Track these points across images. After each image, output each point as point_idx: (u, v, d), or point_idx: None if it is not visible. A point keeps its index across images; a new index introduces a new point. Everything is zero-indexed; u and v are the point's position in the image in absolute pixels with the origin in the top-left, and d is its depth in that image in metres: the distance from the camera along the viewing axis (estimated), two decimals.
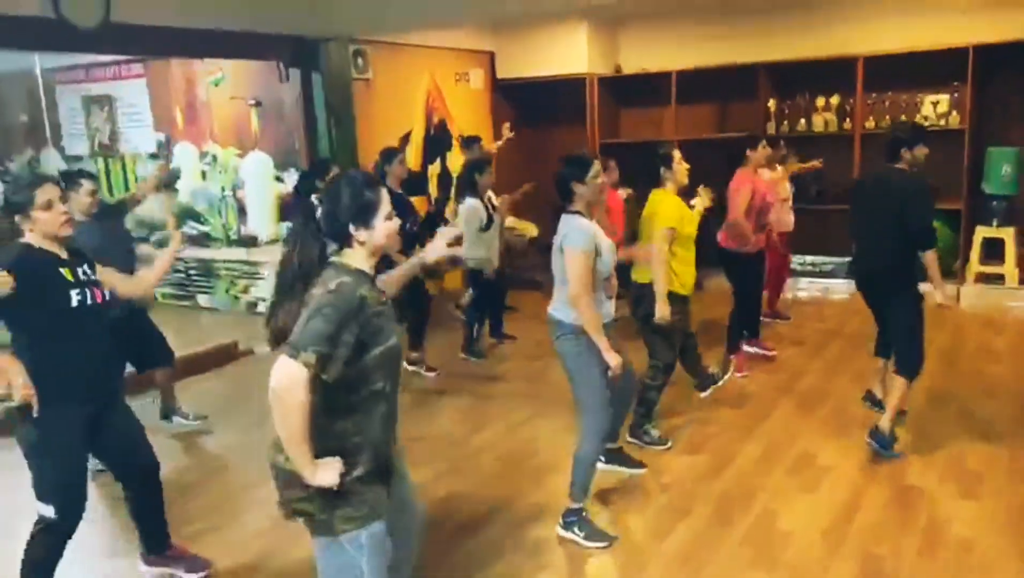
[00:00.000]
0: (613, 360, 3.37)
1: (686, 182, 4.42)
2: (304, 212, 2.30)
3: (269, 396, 2.10)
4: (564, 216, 3.49)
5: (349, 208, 2.23)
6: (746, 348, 5.86)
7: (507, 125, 7.71)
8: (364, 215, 2.24)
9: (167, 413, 5.21)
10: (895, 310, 4.30)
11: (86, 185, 4.45)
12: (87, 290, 3.00)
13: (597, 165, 3.50)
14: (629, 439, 4.46)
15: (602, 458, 3.91)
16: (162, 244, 8.56)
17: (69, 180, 4.44)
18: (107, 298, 3.08)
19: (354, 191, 2.25)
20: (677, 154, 4.39)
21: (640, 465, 4.22)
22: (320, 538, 2.30)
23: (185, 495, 4.22)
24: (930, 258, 4.12)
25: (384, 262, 2.47)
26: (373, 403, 2.27)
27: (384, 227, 2.27)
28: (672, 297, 4.25)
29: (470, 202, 5.98)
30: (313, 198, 2.30)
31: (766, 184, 5.79)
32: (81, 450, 3.06)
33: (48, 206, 2.92)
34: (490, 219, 6.05)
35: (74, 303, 2.94)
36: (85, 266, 3.06)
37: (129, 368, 4.74)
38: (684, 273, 4.37)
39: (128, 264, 4.44)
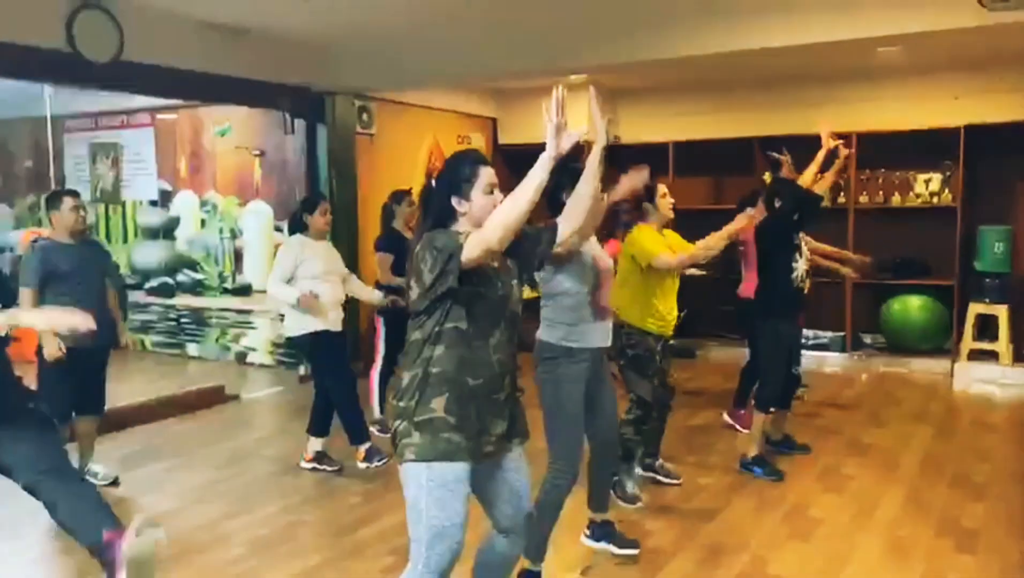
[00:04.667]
0: None
1: (671, 216, 4.27)
2: (426, 192, 2.47)
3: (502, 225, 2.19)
4: None
5: (449, 179, 2.37)
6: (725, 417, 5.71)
7: None
8: (461, 186, 2.34)
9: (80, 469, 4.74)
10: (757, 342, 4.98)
11: (68, 201, 4.31)
12: None
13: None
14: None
15: (587, 532, 3.62)
16: (156, 290, 8.56)
17: (51, 200, 4.36)
18: None
19: (455, 164, 2.41)
20: (662, 187, 4.23)
21: (633, 545, 3.60)
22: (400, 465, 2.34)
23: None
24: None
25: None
26: (454, 341, 2.30)
27: (481, 200, 2.33)
28: (647, 335, 4.12)
29: None
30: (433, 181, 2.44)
31: None
32: None
33: None
34: None
35: None
36: None
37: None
38: (665, 310, 4.15)
39: (100, 287, 4.42)
